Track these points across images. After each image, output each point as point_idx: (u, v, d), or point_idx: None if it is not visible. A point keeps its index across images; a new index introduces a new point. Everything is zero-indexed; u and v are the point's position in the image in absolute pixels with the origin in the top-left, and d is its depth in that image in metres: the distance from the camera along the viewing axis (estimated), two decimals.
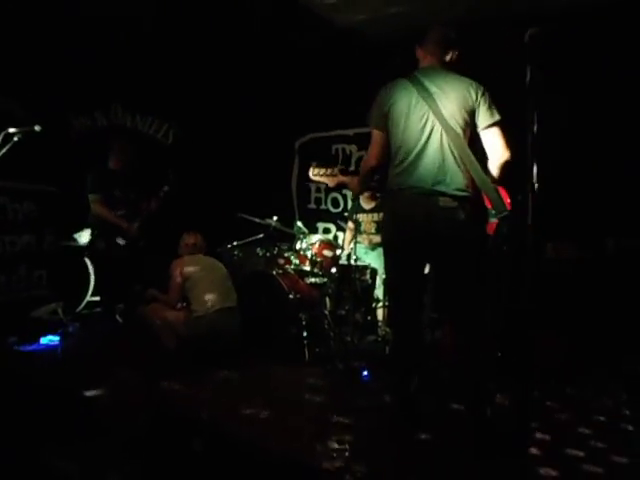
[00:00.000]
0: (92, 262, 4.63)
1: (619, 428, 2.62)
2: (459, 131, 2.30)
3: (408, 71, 2.59)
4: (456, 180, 2.29)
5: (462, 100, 2.32)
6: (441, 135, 2.31)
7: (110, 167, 4.38)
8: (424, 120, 2.33)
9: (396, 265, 2.50)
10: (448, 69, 2.48)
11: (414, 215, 2.32)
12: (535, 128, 1.77)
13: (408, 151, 2.36)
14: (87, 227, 4.43)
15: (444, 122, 2.29)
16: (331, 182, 2.96)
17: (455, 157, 2.30)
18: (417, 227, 2.33)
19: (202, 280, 3.62)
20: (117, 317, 4.41)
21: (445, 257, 2.36)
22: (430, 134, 2.32)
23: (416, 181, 2.32)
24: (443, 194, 2.28)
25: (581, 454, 2.28)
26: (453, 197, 2.27)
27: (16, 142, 2.97)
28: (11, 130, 2.97)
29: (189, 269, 3.64)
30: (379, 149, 2.52)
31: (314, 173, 2.96)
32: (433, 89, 2.35)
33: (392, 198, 2.45)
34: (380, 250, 4.74)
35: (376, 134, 2.52)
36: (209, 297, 3.54)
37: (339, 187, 3.23)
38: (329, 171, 2.91)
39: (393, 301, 2.71)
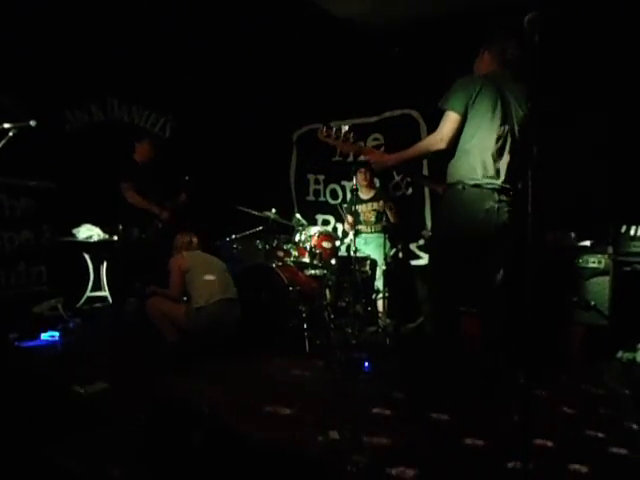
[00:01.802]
0: (122, 253, 4.60)
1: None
2: (518, 137, 2.57)
3: (407, 61, 2.62)
4: (509, 178, 2.56)
5: (523, 108, 2.58)
6: (511, 140, 2.55)
7: (135, 159, 4.45)
8: (503, 125, 2.53)
9: (456, 256, 2.56)
10: (515, 77, 2.64)
11: (486, 209, 2.50)
12: (536, 115, 1.76)
13: (485, 149, 2.51)
14: (119, 217, 4.45)
15: (512, 129, 2.55)
16: (344, 148, 2.75)
17: (513, 159, 2.56)
18: (485, 220, 2.50)
19: (201, 273, 3.63)
20: (125, 311, 4.40)
21: (497, 247, 2.57)
22: (505, 138, 2.54)
23: (489, 177, 2.51)
24: (507, 190, 2.54)
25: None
26: (508, 192, 2.55)
27: (11, 137, 2.95)
28: (6, 125, 2.94)
29: (188, 263, 3.65)
30: (455, 134, 2.53)
31: (323, 134, 2.69)
32: (510, 97, 2.55)
33: (465, 191, 2.53)
34: (379, 241, 4.76)
35: (456, 119, 2.51)
36: (209, 289, 3.55)
37: (354, 156, 2.89)
38: (344, 136, 2.70)
39: (442, 289, 2.68)
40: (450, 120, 2.50)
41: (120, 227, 4.49)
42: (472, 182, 2.51)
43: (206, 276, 3.62)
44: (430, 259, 2.80)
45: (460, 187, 2.53)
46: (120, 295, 4.41)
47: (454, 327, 2.59)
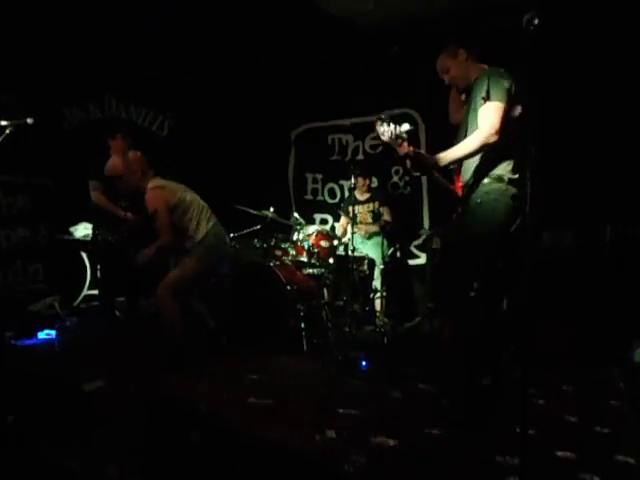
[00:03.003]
0: (94, 253, 4.51)
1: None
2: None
3: (406, 61, 2.60)
4: None
5: None
6: None
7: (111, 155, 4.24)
8: None
9: (487, 254, 2.47)
10: None
11: (516, 206, 2.42)
12: (533, 117, 1.76)
13: (515, 143, 2.40)
14: (89, 215, 4.28)
15: None
16: (400, 148, 2.45)
17: None
18: (514, 216, 2.43)
19: (190, 202, 3.43)
20: (116, 311, 4.38)
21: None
22: None
23: (518, 172, 2.45)
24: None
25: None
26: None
27: (9, 135, 2.94)
28: (3, 123, 2.93)
29: (175, 197, 3.35)
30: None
31: (383, 128, 2.41)
32: None
33: (508, 187, 2.42)
34: (376, 240, 4.76)
35: (504, 109, 2.38)
36: (202, 214, 3.41)
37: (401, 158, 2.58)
38: (401, 136, 2.43)
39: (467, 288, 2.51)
40: (500, 110, 2.36)
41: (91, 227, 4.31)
42: (514, 177, 2.43)
43: (192, 202, 3.41)
44: (457, 255, 2.54)
45: (506, 181, 2.43)
46: (108, 295, 4.31)
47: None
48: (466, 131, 2.51)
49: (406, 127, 2.44)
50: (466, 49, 2.64)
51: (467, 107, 2.56)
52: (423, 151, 2.53)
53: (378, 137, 2.46)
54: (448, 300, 2.56)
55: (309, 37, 5.06)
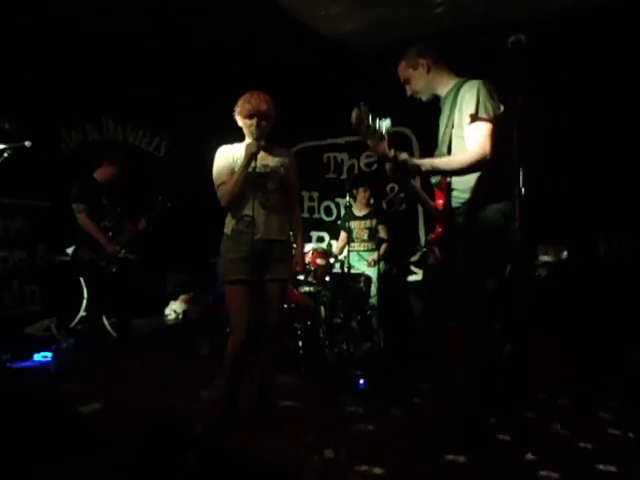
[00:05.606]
0: (76, 273, 4.42)
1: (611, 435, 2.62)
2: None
3: (397, 79, 2.62)
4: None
5: None
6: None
7: (95, 178, 4.19)
8: None
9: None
10: None
11: None
12: (521, 133, 1.78)
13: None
14: (73, 236, 4.15)
15: None
16: (378, 146, 2.28)
17: None
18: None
19: None
20: (111, 331, 4.36)
21: None
22: None
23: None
24: None
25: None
26: None
27: (6, 158, 2.96)
28: (1, 146, 2.95)
29: None
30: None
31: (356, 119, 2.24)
32: None
33: (507, 205, 2.22)
34: (373, 257, 4.77)
35: (497, 130, 2.19)
36: None
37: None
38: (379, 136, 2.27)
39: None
40: (490, 130, 2.18)
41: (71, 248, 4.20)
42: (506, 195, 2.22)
43: None
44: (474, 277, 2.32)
45: (504, 200, 2.27)
46: (95, 316, 4.24)
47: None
48: (449, 148, 2.34)
49: (388, 124, 2.30)
50: (429, 57, 2.45)
51: (446, 121, 2.37)
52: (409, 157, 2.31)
53: (354, 127, 2.26)
54: (462, 316, 2.45)
55: (304, 58, 5.14)
